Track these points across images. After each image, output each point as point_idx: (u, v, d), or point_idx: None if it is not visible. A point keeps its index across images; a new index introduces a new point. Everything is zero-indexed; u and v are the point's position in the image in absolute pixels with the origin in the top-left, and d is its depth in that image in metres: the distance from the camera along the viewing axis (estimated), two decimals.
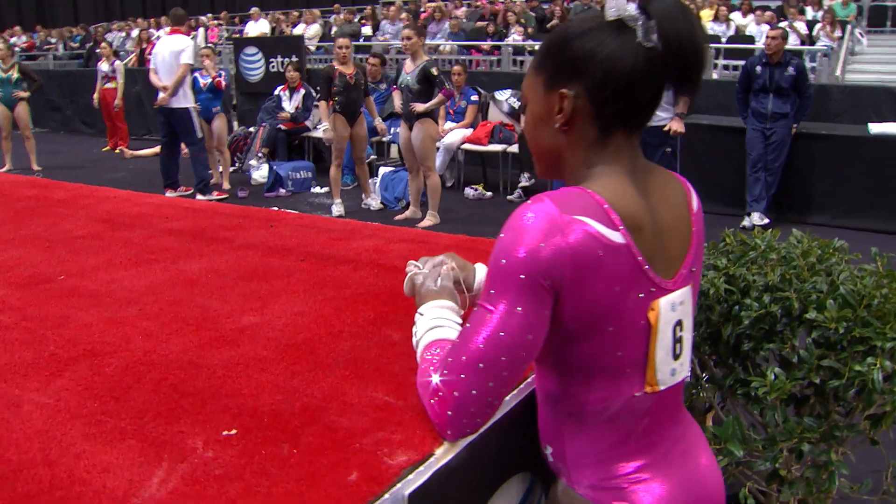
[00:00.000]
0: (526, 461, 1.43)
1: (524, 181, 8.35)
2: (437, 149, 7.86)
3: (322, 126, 7.46)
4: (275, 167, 8.64)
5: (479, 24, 15.14)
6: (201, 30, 16.38)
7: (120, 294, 1.82)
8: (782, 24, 7.88)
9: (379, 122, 8.17)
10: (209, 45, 11.87)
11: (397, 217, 7.52)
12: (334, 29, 15.66)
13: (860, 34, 12.90)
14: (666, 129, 5.84)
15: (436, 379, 1.14)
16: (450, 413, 1.12)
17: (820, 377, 1.82)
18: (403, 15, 15.72)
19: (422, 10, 17.29)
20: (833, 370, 1.83)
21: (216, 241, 2.30)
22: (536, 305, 1.07)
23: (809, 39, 11.18)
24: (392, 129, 9.15)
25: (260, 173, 9.11)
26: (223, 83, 8.72)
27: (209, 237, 2.35)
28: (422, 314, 1.35)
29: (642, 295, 1.11)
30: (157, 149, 8.97)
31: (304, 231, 2.42)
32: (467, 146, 8.89)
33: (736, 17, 12.64)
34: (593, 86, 1.10)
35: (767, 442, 1.92)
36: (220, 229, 2.45)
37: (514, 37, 13.48)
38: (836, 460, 1.86)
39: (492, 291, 1.09)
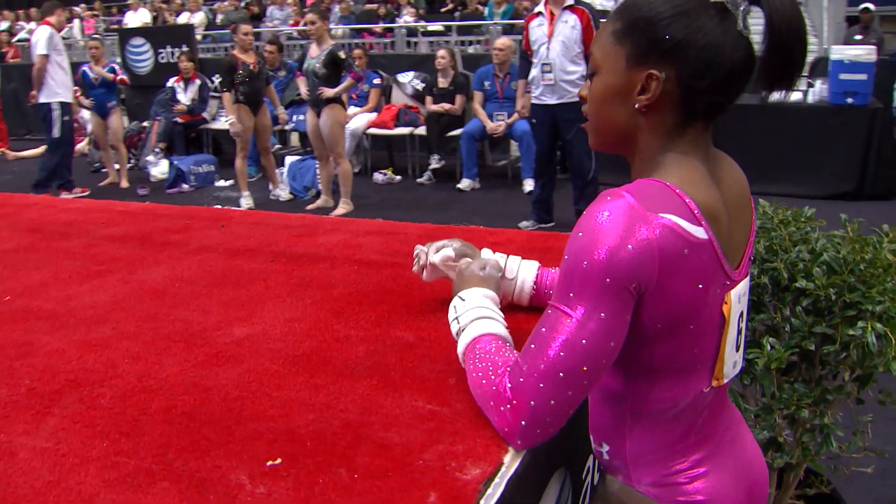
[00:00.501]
0: (565, 458, 1.37)
1: (434, 163, 8.27)
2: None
3: (228, 118, 7.14)
4: (175, 162, 8.26)
5: (369, 6, 14.91)
6: (77, 21, 15.51)
7: (83, 312, 1.65)
8: None
9: (281, 111, 7.92)
10: (95, 37, 11.17)
11: (309, 207, 7.33)
12: (220, 16, 15.13)
13: None
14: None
15: (507, 385, 1.05)
16: (523, 423, 1.03)
17: (814, 343, 1.83)
18: (290, 0, 15.32)
19: None
20: (825, 336, 1.84)
21: (168, 246, 2.12)
22: (619, 310, 1.00)
23: None
24: (293, 117, 8.91)
25: (159, 169, 8.69)
26: (125, 79, 8.28)
27: (159, 242, 2.17)
28: (463, 299, 1.26)
29: (718, 290, 1.06)
30: (42, 149, 8.43)
31: (260, 229, 2.27)
32: (373, 130, 8.74)
33: None
34: (689, 74, 1.02)
35: (762, 411, 1.92)
36: (168, 232, 2.27)
37: (407, 18, 13.34)
38: (829, 423, 1.89)
39: (570, 294, 1.00)
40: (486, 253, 1.50)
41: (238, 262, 1.96)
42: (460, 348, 1.21)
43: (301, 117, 8.68)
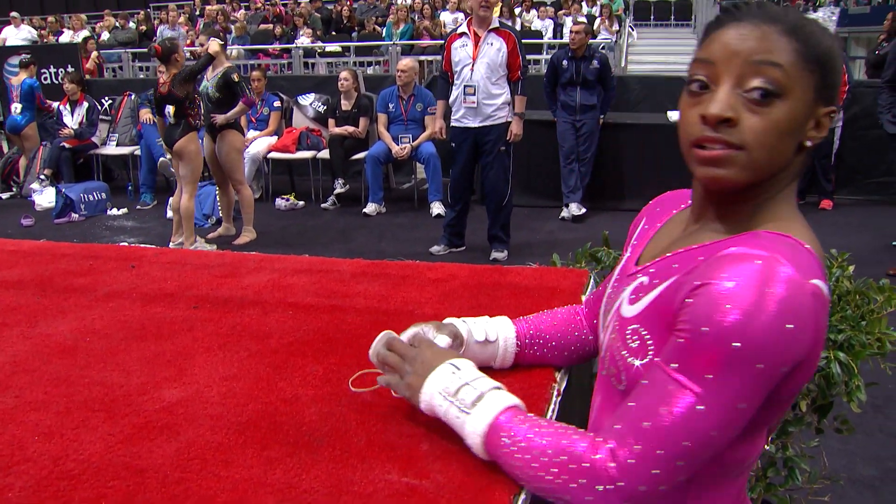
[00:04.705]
0: None
1: (338, 188, 8.07)
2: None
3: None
4: (63, 190, 7.76)
5: (264, 26, 14.63)
6: None
7: None
8: (581, 19, 8.17)
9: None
10: None
11: (210, 236, 7.00)
12: (105, 35, 14.53)
13: (630, 27, 13.81)
14: (514, 133, 5.72)
15: (607, 464, 0.92)
16: None
17: None
18: (181, 19, 14.88)
19: (198, 13, 16.47)
20: None
21: (73, 292, 1.90)
22: (760, 396, 0.89)
23: (591, 34, 11.75)
24: None
25: (45, 198, 8.14)
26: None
27: (61, 287, 1.94)
28: (458, 367, 1.11)
29: None
30: None
31: (177, 269, 2.07)
32: (274, 155, 8.48)
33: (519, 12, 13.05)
34: (835, 112, 0.97)
35: None
36: (70, 275, 2.04)
37: (303, 39, 13.14)
38: (793, 456, 1.84)
39: (707, 376, 0.87)
40: (451, 321, 1.34)
41: (156, 309, 1.76)
42: (487, 418, 1.03)
43: (199, 142, 8.35)
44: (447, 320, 1.32)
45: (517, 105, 5.68)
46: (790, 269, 0.87)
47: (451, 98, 5.81)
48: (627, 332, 1.02)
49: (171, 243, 6.55)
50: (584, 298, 1.73)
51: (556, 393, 1.30)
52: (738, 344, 0.85)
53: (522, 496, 1.01)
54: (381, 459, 1.10)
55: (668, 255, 1.04)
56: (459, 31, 5.78)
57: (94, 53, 11.78)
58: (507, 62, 5.57)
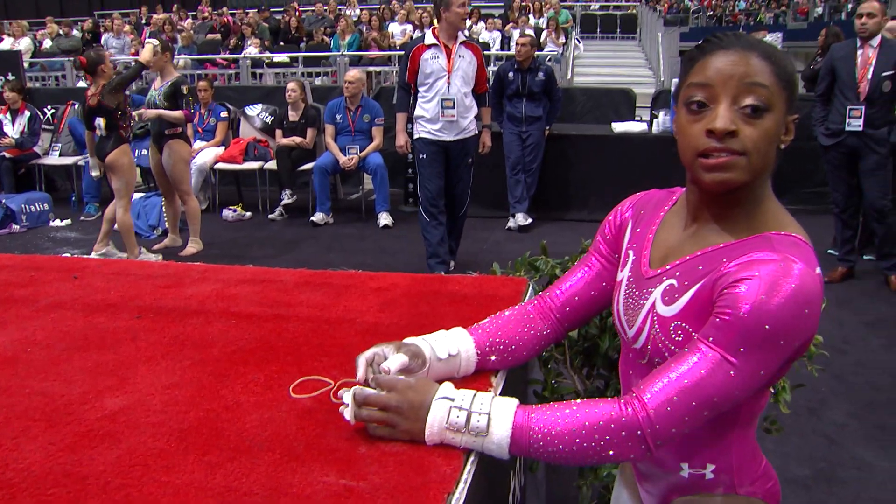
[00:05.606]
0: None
1: (285, 198, 8.04)
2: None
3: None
4: (4, 200, 7.59)
5: (211, 36, 14.52)
6: None
7: None
8: (528, 32, 8.27)
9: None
10: None
11: (156, 247, 6.93)
12: (47, 42, 14.28)
13: (577, 40, 14.05)
14: (487, 144, 5.77)
15: (647, 412, 1.10)
16: (659, 443, 1.11)
17: None
18: (126, 28, 14.68)
19: (144, 22, 16.28)
20: None
21: (14, 303, 1.89)
22: (778, 365, 1.09)
23: (538, 45, 11.92)
24: (135, 151, 8.45)
25: None
26: None
27: (2, 299, 1.93)
28: (451, 398, 1.19)
29: None
30: None
31: (120, 280, 2.07)
32: (221, 165, 8.41)
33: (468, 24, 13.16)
34: (798, 118, 1.16)
35: None
36: (10, 287, 2.03)
37: (251, 49, 13.07)
38: None
39: (741, 349, 1.07)
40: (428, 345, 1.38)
41: (99, 319, 1.77)
42: (505, 432, 1.15)
43: (144, 152, 8.26)
44: (407, 340, 1.37)
45: (485, 117, 5.70)
46: (804, 266, 1.06)
47: (421, 112, 5.59)
48: (671, 328, 1.19)
49: (93, 252, 6.46)
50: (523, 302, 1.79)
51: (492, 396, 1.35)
52: (769, 326, 1.04)
53: (456, 495, 1.06)
54: (319, 462, 1.13)
55: (686, 258, 1.20)
56: (427, 42, 5.55)
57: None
58: (476, 74, 5.53)
